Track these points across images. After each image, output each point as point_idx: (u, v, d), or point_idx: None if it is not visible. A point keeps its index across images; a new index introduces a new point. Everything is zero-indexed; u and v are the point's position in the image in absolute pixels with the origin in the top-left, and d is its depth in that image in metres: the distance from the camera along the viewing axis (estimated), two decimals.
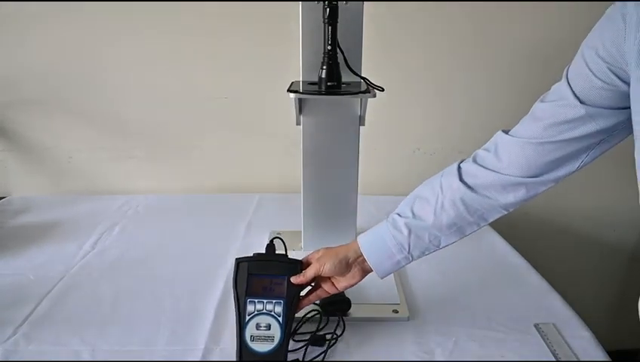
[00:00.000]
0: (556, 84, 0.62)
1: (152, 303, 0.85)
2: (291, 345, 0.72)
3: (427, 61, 1.28)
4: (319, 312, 0.79)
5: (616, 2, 0.54)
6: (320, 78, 0.83)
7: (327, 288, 0.75)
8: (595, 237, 1.51)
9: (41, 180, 1.38)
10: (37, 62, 1.25)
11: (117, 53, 1.25)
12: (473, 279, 0.95)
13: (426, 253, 0.72)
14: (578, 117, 0.58)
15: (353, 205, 1.01)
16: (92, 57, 1.24)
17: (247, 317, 0.70)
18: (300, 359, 0.71)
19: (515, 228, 1.14)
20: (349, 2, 0.83)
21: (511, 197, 0.66)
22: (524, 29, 1.26)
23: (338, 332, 0.76)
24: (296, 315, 0.73)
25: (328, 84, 0.82)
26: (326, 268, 0.72)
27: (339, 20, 0.79)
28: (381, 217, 0.74)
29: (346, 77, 0.84)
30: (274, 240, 0.78)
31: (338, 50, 0.81)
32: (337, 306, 0.80)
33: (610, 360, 0.72)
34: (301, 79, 0.89)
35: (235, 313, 0.70)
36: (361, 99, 0.90)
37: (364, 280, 0.75)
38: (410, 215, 0.70)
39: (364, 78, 0.87)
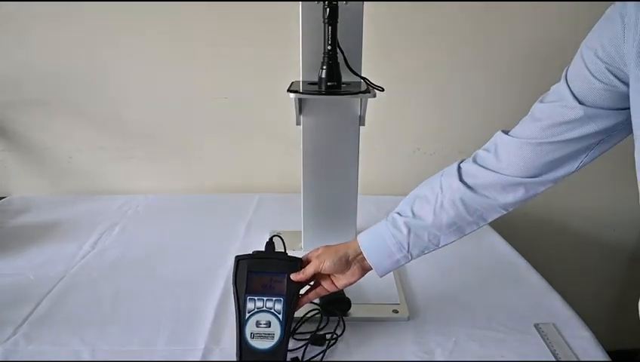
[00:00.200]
0: (555, 85, 0.62)
1: (152, 303, 0.85)
2: (291, 344, 0.72)
3: (427, 61, 1.28)
4: (319, 312, 0.79)
5: (616, 3, 0.54)
6: (320, 78, 0.83)
7: (327, 286, 0.75)
8: (595, 237, 1.51)
9: (41, 180, 1.38)
10: (37, 62, 1.25)
11: (117, 53, 1.25)
12: (473, 279, 0.95)
13: (426, 252, 0.72)
14: (577, 118, 0.58)
15: (353, 205, 1.01)
16: (92, 57, 1.25)
17: (247, 315, 0.70)
18: (300, 358, 0.71)
19: (515, 228, 1.15)
20: (349, 2, 0.83)
21: (510, 198, 0.67)
22: (524, 29, 1.26)
23: (338, 331, 0.76)
24: (296, 315, 0.74)
25: (328, 84, 0.82)
26: (325, 265, 0.72)
27: (339, 20, 0.79)
28: (381, 217, 0.74)
29: (346, 77, 0.84)
30: (273, 238, 0.78)
31: (338, 50, 0.81)
32: (337, 306, 0.81)
33: (610, 360, 0.72)
34: (301, 79, 0.89)
35: (235, 311, 0.71)
36: (361, 99, 0.90)
37: (364, 280, 0.75)
38: (409, 214, 0.70)
39: (364, 78, 0.87)
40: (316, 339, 0.74)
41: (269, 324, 0.70)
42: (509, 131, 0.67)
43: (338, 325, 0.78)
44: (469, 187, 0.67)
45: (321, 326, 0.77)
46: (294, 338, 0.74)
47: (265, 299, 0.71)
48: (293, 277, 0.72)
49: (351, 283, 0.75)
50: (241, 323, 0.70)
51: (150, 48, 1.24)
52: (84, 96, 1.28)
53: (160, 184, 1.40)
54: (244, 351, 0.69)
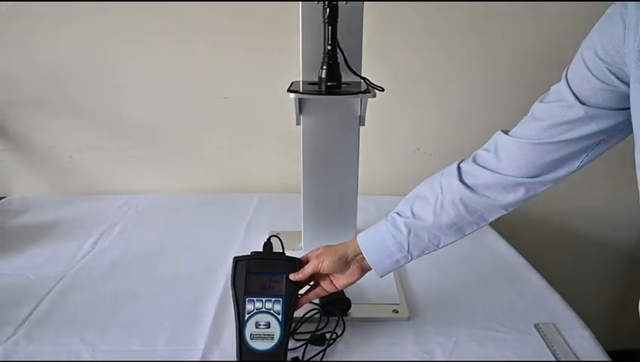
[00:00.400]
0: (556, 85, 0.62)
1: (152, 303, 0.85)
2: (291, 344, 0.72)
3: (427, 61, 1.28)
4: (319, 312, 0.79)
5: (616, 2, 0.54)
6: (320, 78, 0.83)
7: (326, 286, 0.75)
8: (594, 237, 1.51)
9: (41, 180, 1.38)
10: (37, 62, 1.25)
11: (117, 53, 1.25)
12: (473, 279, 0.95)
13: (426, 252, 0.72)
14: (577, 118, 0.58)
15: (353, 205, 1.01)
16: (92, 57, 1.25)
17: (247, 316, 0.70)
18: (300, 358, 0.71)
19: (515, 228, 1.15)
20: (349, 2, 0.83)
21: (510, 198, 0.66)
22: (523, 29, 1.26)
23: (338, 331, 0.76)
24: (296, 315, 0.74)
25: (328, 84, 0.82)
26: (325, 264, 0.72)
27: (339, 20, 0.79)
28: (381, 217, 0.74)
29: (346, 77, 0.84)
30: (271, 239, 0.78)
31: (338, 50, 0.81)
32: (337, 306, 0.80)
33: (610, 360, 0.72)
34: (301, 79, 0.89)
35: (234, 312, 0.70)
36: (361, 99, 0.90)
37: (364, 280, 0.75)
38: (409, 214, 0.70)
39: (364, 78, 0.87)
40: (316, 339, 0.74)
41: (268, 325, 0.70)
42: (509, 131, 0.67)
43: (338, 325, 0.78)
44: (468, 187, 0.67)
45: (320, 326, 0.77)
46: (294, 338, 0.74)
47: (264, 299, 0.71)
48: (292, 276, 0.72)
49: (350, 284, 0.74)
50: (240, 325, 0.70)
51: (150, 48, 1.24)
52: (84, 96, 1.28)
53: (160, 184, 1.40)
54: (244, 353, 0.69)
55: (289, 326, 0.70)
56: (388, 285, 0.88)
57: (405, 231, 0.70)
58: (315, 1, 0.82)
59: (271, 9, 1.19)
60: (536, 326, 0.79)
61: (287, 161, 1.23)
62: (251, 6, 1.19)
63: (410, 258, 0.72)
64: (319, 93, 0.83)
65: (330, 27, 0.79)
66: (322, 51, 0.82)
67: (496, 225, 1.11)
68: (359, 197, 1.01)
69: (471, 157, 0.70)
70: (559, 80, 0.62)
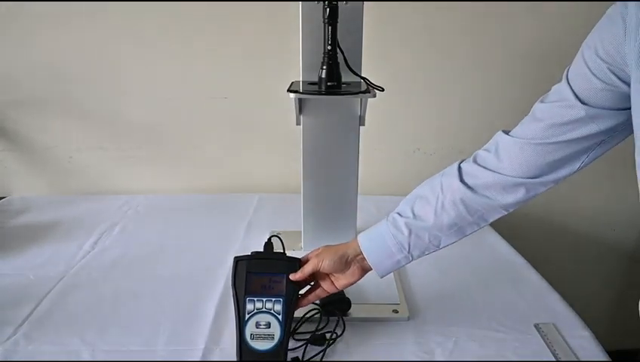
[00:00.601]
0: (556, 85, 0.62)
1: (152, 303, 0.85)
2: (291, 344, 0.72)
3: (427, 61, 1.28)
4: (319, 312, 0.79)
5: (617, 2, 0.54)
6: (320, 78, 0.83)
7: (327, 287, 0.75)
8: (594, 237, 1.52)
9: (41, 180, 1.38)
10: (37, 62, 1.24)
11: (117, 53, 1.25)
12: (473, 279, 0.95)
13: (426, 252, 0.72)
14: (578, 118, 0.58)
15: (353, 205, 1.01)
16: (92, 57, 1.24)
17: (247, 316, 0.70)
18: (300, 358, 0.71)
19: (515, 228, 1.15)
20: (349, 2, 0.83)
21: (511, 198, 0.66)
22: (523, 29, 1.26)
23: (338, 331, 0.76)
24: (296, 315, 0.74)
25: (328, 84, 0.82)
26: (325, 264, 0.72)
27: (339, 20, 0.79)
28: (381, 217, 0.74)
29: (346, 77, 0.84)
30: (271, 238, 0.78)
31: (338, 50, 0.81)
32: (337, 306, 0.80)
33: (610, 360, 0.72)
34: (301, 79, 0.89)
35: (234, 312, 0.70)
36: (361, 99, 0.90)
37: (364, 280, 0.75)
38: (410, 215, 0.70)
39: (364, 78, 0.87)
40: (316, 339, 0.74)
41: (268, 325, 0.70)
42: (509, 131, 0.67)
43: (338, 325, 0.78)
44: (469, 187, 0.67)
45: (320, 326, 0.77)
46: (294, 338, 0.74)
47: (264, 299, 0.71)
48: (292, 276, 0.72)
49: (351, 284, 0.74)
50: (240, 325, 0.70)
51: (150, 48, 1.24)
52: (84, 96, 1.28)
53: (160, 184, 1.40)
54: (244, 353, 0.69)
55: (289, 326, 0.70)
56: (388, 285, 0.88)
57: (406, 232, 0.70)
58: (315, 1, 0.82)
59: (271, 9, 1.19)
60: (536, 326, 0.79)
61: (287, 161, 1.23)
62: (251, 6, 1.19)
63: (410, 258, 0.72)
64: (319, 93, 0.83)
65: (330, 27, 0.79)
66: (322, 51, 0.82)
67: (496, 226, 1.11)
68: (359, 197, 1.01)
69: (471, 158, 0.70)
70: (560, 80, 0.62)
